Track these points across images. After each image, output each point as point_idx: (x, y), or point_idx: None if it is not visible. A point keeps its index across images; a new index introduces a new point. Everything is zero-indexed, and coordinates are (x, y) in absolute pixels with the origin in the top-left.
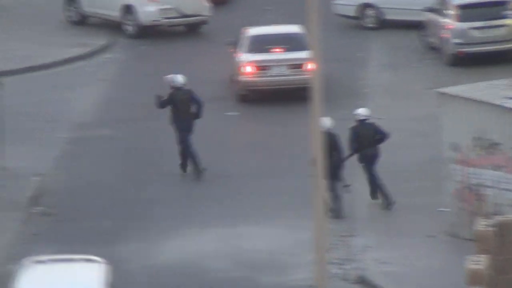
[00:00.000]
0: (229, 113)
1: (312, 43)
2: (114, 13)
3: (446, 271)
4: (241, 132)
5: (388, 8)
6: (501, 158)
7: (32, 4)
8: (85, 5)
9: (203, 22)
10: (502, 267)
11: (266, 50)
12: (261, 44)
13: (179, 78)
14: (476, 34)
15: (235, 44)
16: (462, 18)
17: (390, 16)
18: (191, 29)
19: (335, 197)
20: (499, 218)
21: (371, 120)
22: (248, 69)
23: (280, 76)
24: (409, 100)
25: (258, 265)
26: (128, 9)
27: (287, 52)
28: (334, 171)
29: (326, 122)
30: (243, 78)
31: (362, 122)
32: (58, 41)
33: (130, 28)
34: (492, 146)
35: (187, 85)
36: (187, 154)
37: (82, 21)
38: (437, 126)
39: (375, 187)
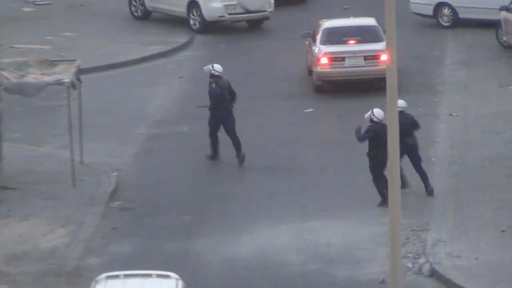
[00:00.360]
0: (307, 110)
1: (388, 39)
2: (180, 9)
3: None
4: (316, 127)
5: (463, 7)
6: None
7: (97, 1)
8: (149, 0)
9: (266, 18)
10: None
11: (341, 42)
12: (336, 36)
13: (219, 67)
14: None
15: (311, 36)
16: None
17: (465, 15)
18: (253, 25)
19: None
20: None
21: (408, 112)
22: (323, 60)
23: (355, 67)
24: (484, 98)
25: (332, 259)
26: (193, 5)
27: (362, 44)
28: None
29: (380, 113)
30: (318, 69)
31: (401, 113)
32: (135, 39)
33: (195, 24)
34: None
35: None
36: (214, 143)
37: (146, 17)
38: (511, 124)
39: (427, 180)
